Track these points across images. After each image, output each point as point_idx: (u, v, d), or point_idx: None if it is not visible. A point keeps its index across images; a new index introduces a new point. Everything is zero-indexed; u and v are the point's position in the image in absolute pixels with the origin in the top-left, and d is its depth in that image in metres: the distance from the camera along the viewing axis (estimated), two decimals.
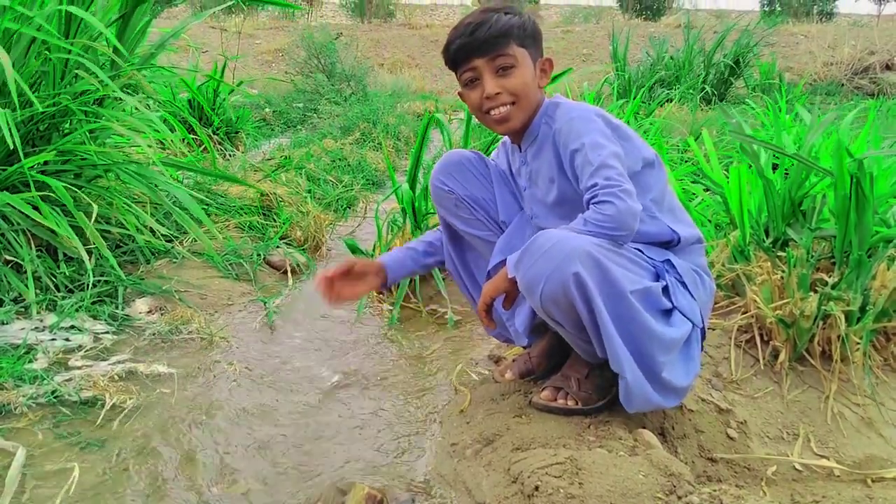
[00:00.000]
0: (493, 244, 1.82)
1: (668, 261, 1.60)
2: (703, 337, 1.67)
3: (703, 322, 1.63)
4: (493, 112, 1.65)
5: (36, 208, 2.23)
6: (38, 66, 2.44)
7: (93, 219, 2.26)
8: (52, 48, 2.41)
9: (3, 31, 2.28)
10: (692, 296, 1.60)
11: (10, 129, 2.00)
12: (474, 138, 3.38)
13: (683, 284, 1.59)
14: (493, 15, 1.61)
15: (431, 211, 2.96)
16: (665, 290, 1.55)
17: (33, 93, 2.32)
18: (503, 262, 1.77)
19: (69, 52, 2.38)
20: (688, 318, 1.57)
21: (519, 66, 1.62)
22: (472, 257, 1.93)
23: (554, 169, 1.64)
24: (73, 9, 2.27)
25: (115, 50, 2.47)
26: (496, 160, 1.89)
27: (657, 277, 1.56)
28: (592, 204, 1.48)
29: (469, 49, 1.62)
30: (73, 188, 2.40)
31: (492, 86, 1.62)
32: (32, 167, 2.34)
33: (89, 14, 2.33)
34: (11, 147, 2.04)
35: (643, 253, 1.57)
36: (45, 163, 2.40)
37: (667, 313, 1.56)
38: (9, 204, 2.19)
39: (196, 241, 2.81)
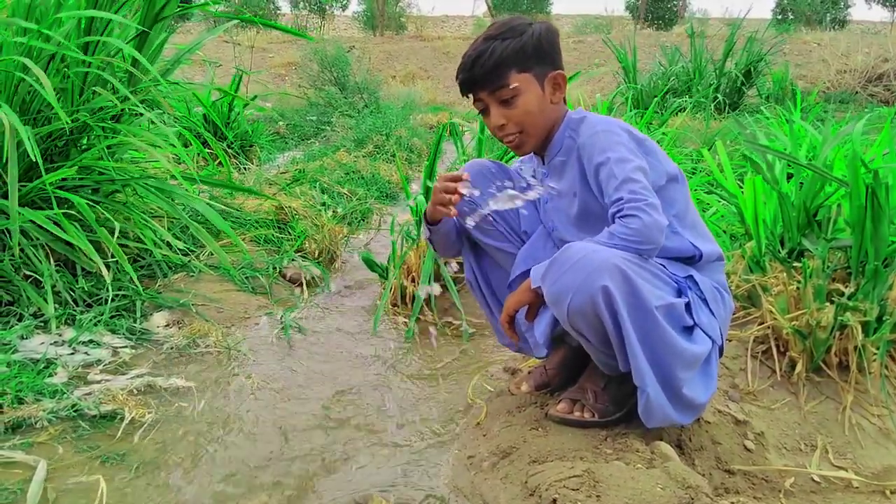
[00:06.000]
0: (514, 256, 1.81)
1: (691, 277, 1.60)
2: (721, 354, 1.67)
3: (721, 339, 1.63)
4: (505, 140, 1.67)
5: (58, 225, 2.25)
6: (58, 83, 2.48)
7: (115, 235, 2.29)
8: (70, 65, 2.44)
9: (27, 50, 2.32)
10: (713, 313, 1.59)
11: (32, 146, 2.02)
12: (488, 150, 3.39)
13: (705, 301, 1.59)
14: (490, 45, 1.59)
15: None
16: (687, 306, 1.55)
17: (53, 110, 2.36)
18: (525, 274, 1.77)
19: (88, 66, 2.42)
20: (708, 336, 1.57)
21: (521, 93, 1.61)
22: (492, 268, 1.92)
23: (577, 183, 1.64)
24: (99, 38, 2.30)
25: (135, 64, 2.51)
26: (520, 170, 1.87)
27: (679, 294, 1.56)
28: (618, 218, 1.47)
29: (471, 83, 1.64)
30: (92, 203, 2.43)
31: (497, 117, 1.64)
32: (52, 183, 2.37)
33: (111, 38, 2.37)
34: (32, 162, 2.07)
35: (666, 269, 1.56)
36: (64, 178, 2.43)
37: (688, 330, 1.56)
38: (30, 220, 2.22)
39: (212, 254, 2.83)
